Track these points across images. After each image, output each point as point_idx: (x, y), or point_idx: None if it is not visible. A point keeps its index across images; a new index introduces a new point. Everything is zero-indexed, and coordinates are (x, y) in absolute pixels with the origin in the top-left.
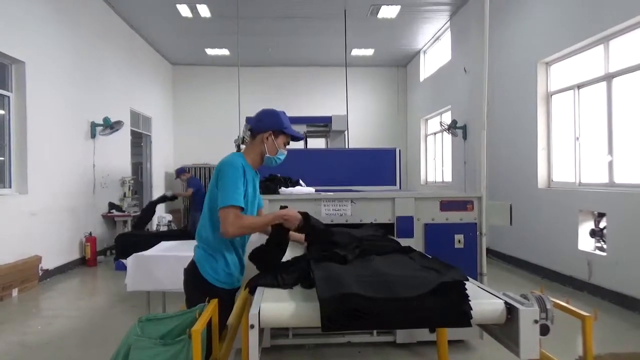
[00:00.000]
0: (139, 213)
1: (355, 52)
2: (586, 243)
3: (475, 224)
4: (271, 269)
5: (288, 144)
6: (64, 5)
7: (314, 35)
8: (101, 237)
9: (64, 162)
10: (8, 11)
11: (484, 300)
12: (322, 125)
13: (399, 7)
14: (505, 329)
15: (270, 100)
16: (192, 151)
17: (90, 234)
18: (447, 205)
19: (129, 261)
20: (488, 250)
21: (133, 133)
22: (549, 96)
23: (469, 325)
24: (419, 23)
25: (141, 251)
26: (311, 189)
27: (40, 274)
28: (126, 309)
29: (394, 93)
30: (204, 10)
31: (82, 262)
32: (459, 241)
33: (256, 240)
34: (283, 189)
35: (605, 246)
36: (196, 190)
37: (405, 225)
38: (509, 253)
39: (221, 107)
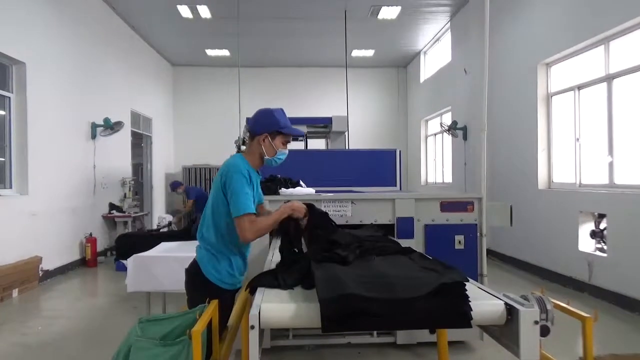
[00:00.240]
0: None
1: (356, 53)
2: (586, 244)
3: (476, 224)
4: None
5: (289, 142)
6: (65, 7)
7: (314, 36)
8: (101, 237)
9: (64, 162)
10: (9, 12)
11: (484, 301)
12: (322, 126)
13: (399, 8)
14: (505, 330)
15: (271, 101)
16: (193, 152)
17: (91, 234)
18: (448, 206)
19: (129, 262)
20: (488, 251)
21: (133, 134)
22: (549, 97)
23: (469, 326)
24: (419, 24)
25: (141, 252)
26: (311, 190)
27: (40, 275)
28: (126, 310)
29: (394, 94)
30: (204, 11)
31: (83, 263)
32: (459, 242)
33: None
34: (283, 189)
35: (605, 247)
36: (196, 197)
37: (406, 226)
38: (509, 254)
39: (221, 107)
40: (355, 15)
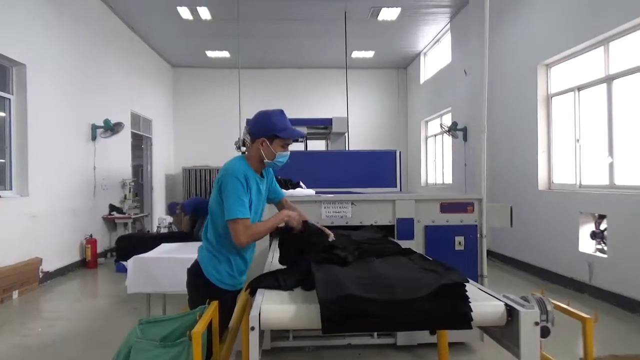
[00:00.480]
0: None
1: (356, 54)
2: (587, 245)
3: (476, 225)
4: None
5: (289, 144)
6: (65, 8)
7: (315, 38)
8: (102, 239)
9: (64, 164)
10: (9, 14)
11: (485, 302)
12: (322, 127)
13: (399, 9)
14: (505, 331)
15: (271, 102)
16: (193, 153)
17: (91, 236)
18: (448, 207)
19: (130, 263)
20: (488, 252)
21: (133, 135)
22: (549, 98)
23: (470, 327)
24: (419, 25)
25: (142, 253)
26: (312, 191)
27: (40, 276)
28: (127, 311)
29: (394, 95)
30: (204, 13)
31: (83, 264)
32: (460, 243)
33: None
34: (283, 191)
35: (605, 248)
36: (193, 210)
37: (406, 227)
38: (509, 255)
39: (222, 109)
40: (355, 17)
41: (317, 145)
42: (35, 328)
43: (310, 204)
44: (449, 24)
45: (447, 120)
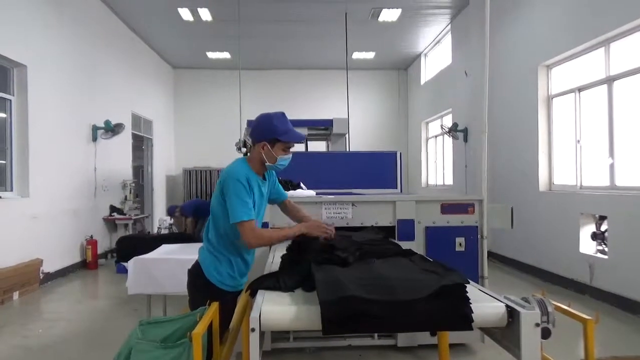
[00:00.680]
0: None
1: (356, 55)
2: (587, 246)
3: (477, 226)
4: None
5: (292, 146)
6: (66, 9)
7: (315, 39)
8: (102, 240)
9: (65, 165)
10: (10, 15)
11: (485, 304)
12: (323, 128)
13: (399, 10)
14: (506, 332)
15: (272, 103)
16: (193, 154)
17: (92, 237)
18: (448, 208)
19: (130, 264)
20: (489, 253)
21: (134, 136)
22: (549, 99)
23: (470, 328)
24: (420, 26)
25: (142, 254)
26: (312, 192)
27: (41, 277)
28: (127, 312)
29: (395, 96)
30: (205, 14)
31: (83, 265)
32: (460, 244)
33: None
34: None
35: (606, 249)
36: (194, 211)
37: (406, 228)
38: (510, 256)
39: (222, 110)
40: (356, 18)
41: (317, 146)
42: (36, 329)
43: (311, 205)
44: (449, 25)
45: (448, 121)
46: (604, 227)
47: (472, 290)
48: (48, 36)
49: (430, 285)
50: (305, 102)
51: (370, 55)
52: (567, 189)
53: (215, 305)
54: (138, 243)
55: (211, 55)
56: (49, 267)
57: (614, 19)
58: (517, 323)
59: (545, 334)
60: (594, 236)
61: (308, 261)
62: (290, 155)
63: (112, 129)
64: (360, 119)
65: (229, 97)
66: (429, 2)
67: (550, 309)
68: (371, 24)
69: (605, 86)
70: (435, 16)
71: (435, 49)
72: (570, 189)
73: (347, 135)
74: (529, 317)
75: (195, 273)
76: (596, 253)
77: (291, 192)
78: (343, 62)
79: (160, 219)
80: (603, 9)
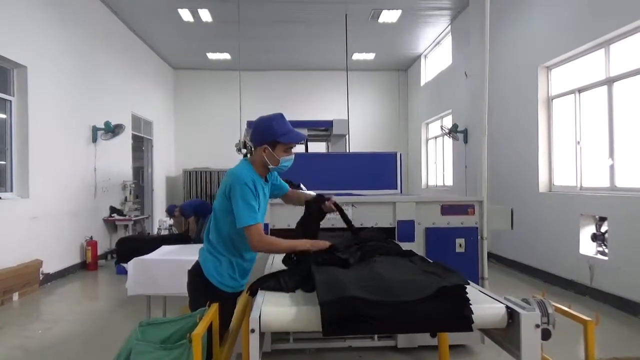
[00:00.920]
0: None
1: (356, 56)
2: (588, 247)
3: (477, 228)
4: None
5: (293, 147)
6: (66, 10)
7: (315, 40)
8: (102, 241)
9: (65, 166)
10: (10, 15)
11: (485, 305)
12: (323, 129)
13: (399, 11)
14: (506, 334)
15: (271, 104)
16: (194, 155)
17: (91, 238)
18: (448, 209)
19: (130, 265)
20: (489, 255)
21: (134, 137)
22: (549, 100)
23: (470, 329)
24: (420, 27)
25: (142, 255)
26: (312, 193)
27: (41, 278)
28: (127, 313)
29: (395, 97)
30: (205, 15)
31: (83, 266)
32: (460, 245)
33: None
34: None
35: (606, 250)
36: (195, 212)
37: (406, 229)
38: (510, 257)
39: (222, 111)
40: (356, 19)
41: (317, 147)
42: (36, 330)
43: None
44: (449, 26)
45: (448, 122)
46: (604, 228)
47: (472, 291)
48: (48, 37)
49: (430, 286)
50: (305, 103)
51: (370, 56)
52: (567, 190)
53: (215, 306)
54: (138, 244)
55: (211, 56)
56: (48, 268)
57: (614, 21)
58: (517, 324)
59: (546, 335)
60: (594, 237)
61: (308, 261)
62: (293, 156)
63: (112, 130)
64: (360, 120)
65: (229, 98)
66: (429, 3)
67: (550, 310)
68: (371, 25)
69: (605, 87)
70: (435, 17)
71: (435, 50)
72: (570, 190)
73: (347, 136)
74: (529, 319)
75: (196, 274)
76: (596, 254)
77: None
78: (343, 63)
79: (160, 220)
80: (603, 10)
